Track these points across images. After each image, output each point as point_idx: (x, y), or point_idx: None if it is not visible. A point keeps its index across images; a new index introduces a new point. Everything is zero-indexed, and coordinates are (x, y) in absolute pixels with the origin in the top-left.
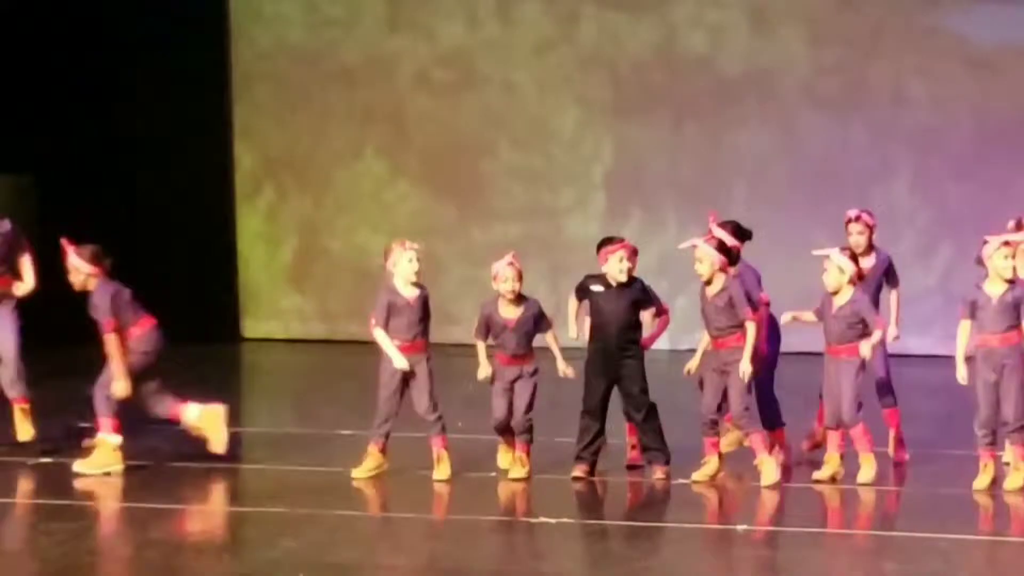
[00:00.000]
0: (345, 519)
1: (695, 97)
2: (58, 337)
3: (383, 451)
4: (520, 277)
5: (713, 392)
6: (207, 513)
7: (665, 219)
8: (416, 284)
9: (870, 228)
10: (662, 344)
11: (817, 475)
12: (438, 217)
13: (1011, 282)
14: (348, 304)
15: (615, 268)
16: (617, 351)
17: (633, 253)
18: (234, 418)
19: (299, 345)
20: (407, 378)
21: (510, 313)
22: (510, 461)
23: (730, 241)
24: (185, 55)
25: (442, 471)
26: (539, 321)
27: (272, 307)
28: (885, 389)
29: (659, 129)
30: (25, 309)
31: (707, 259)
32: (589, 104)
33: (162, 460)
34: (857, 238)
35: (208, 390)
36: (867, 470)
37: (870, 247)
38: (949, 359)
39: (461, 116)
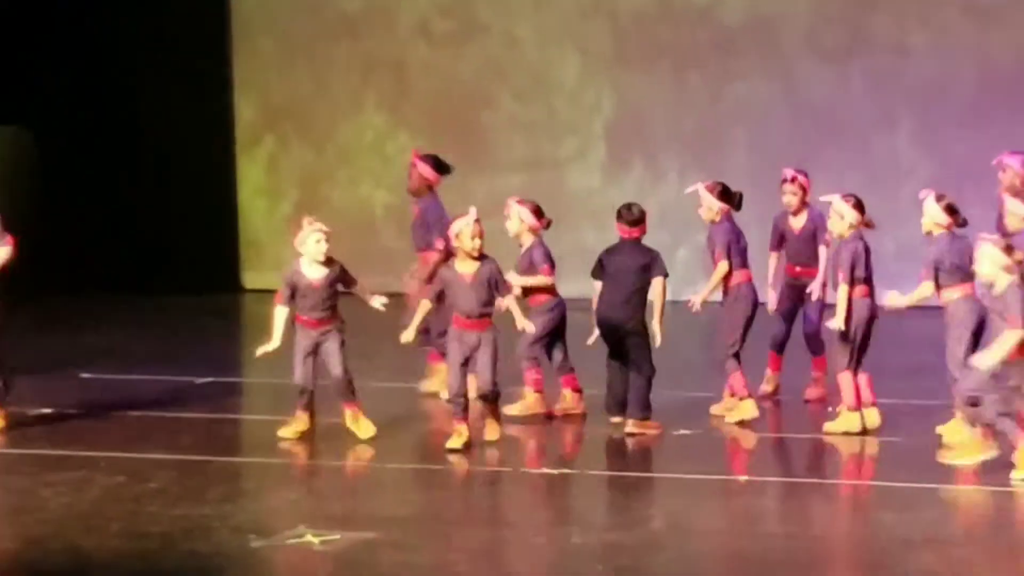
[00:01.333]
0: (346, 469)
1: (696, 47)
2: (56, 286)
3: (307, 412)
4: (482, 235)
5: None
6: (207, 464)
7: (666, 170)
8: (326, 263)
9: (804, 189)
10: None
11: (828, 427)
12: None
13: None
14: (348, 255)
15: None
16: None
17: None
18: (235, 369)
19: None
20: (316, 350)
21: (468, 268)
22: (462, 442)
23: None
24: (185, 6)
25: (363, 430)
26: (498, 283)
27: (273, 258)
28: (814, 339)
29: (660, 80)
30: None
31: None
32: (590, 55)
33: (160, 410)
34: (790, 198)
35: (209, 341)
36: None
37: (803, 205)
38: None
39: (462, 67)
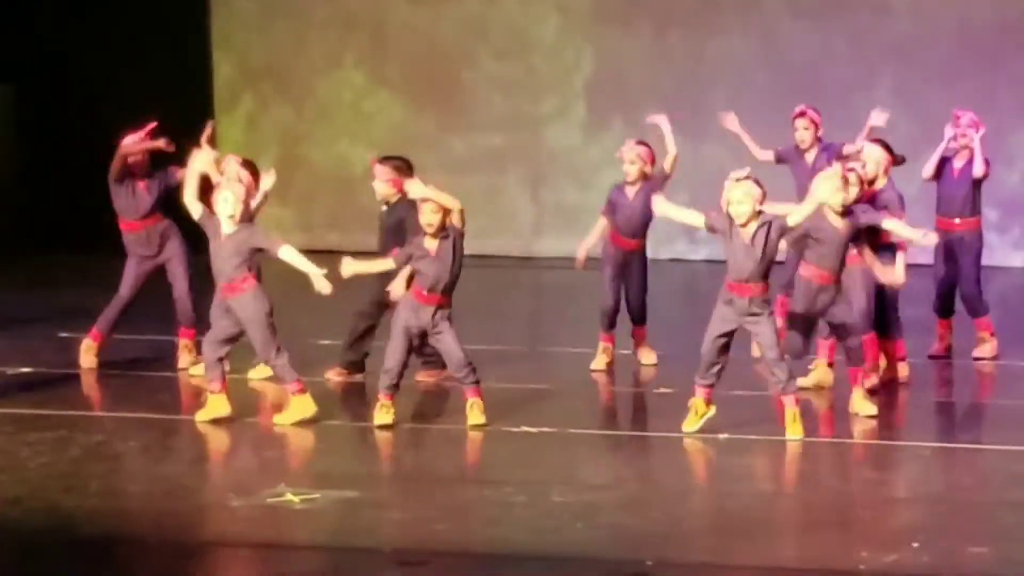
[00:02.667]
0: (326, 429)
1: (676, 5)
2: (36, 245)
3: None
4: (446, 214)
5: None
6: (186, 423)
7: (646, 128)
8: (243, 222)
9: (815, 124)
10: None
11: (802, 382)
12: (418, 127)
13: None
14: (329, 214)
15: None
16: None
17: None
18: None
19: None
20: (232, 315)
21: (431, 244)
22: (387, 416)
23: None
24: None
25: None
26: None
27: None
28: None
29: (640, 38)
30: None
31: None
32: (570, 13)
33: (140, 369)
34: (803, 133)
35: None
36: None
37: (816, 141)
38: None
39: (442, 25)
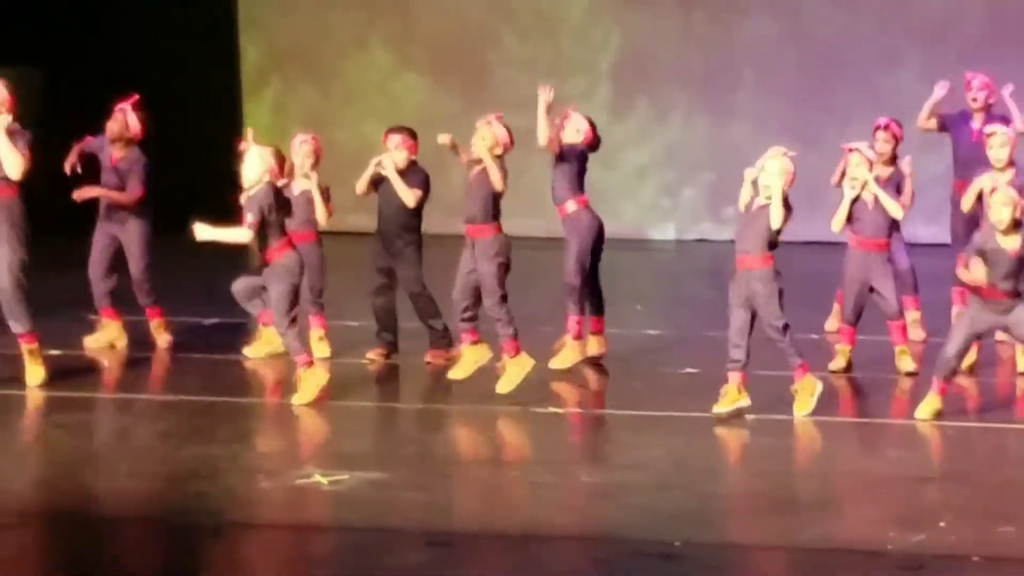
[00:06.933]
0: (354, 410)
1: None
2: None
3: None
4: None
5: None
6: (215, 404)
7: (672, 109)
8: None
9: (896, 139)
10: (668, 234)
11: (832, 366)
12: (444, 108)
13: None
14: (354, 196)
15: None
16: None
17: None
18: (242, 310)
19: None
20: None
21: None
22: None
23: None
24: None
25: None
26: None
27: None
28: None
29: (666, 18)
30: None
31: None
32: None
33: (169, 351)
34: (883, 146)
35: (215, 282)
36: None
37: (894, 157)
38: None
39: (467, 6)
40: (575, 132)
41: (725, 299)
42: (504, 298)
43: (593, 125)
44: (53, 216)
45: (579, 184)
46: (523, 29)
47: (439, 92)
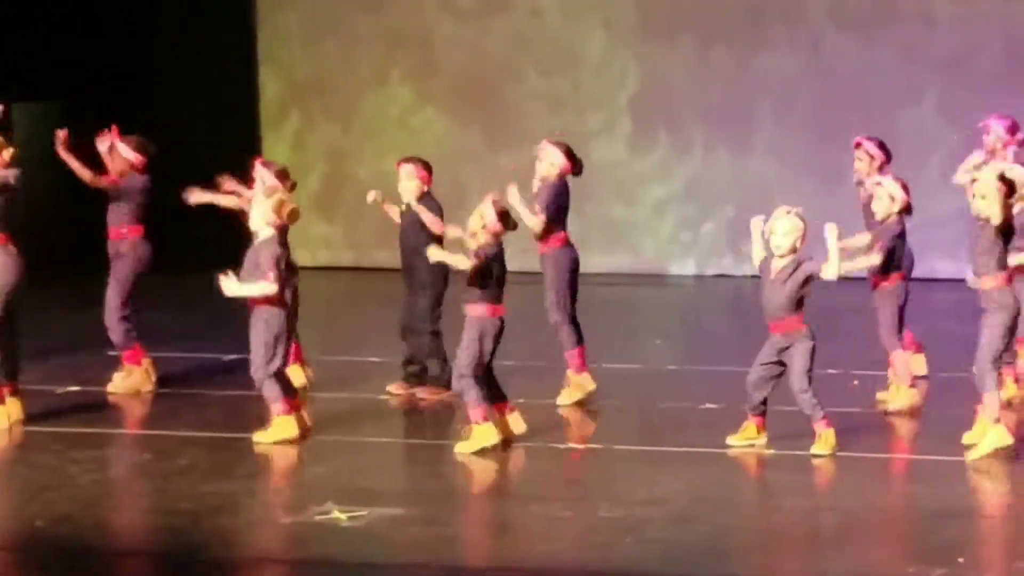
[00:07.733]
0: (373, 445)
1: (721, 19)
2: (78, 266)
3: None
4: None
5: None
6: (235, 440)
7: (691, 143)
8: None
9: (871, 156)
10: (688, 269)
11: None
12: (464, 143)
13: None
14: (376, 231)
15: None
16: None
17: None
18: None
19: (327, 273)
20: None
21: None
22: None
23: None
24: None
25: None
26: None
27: (300, 235)
28: None
29: (685, 52)
30: (44, 240)
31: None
32: (615, 28)
33: (188, 387)
34: (858, 164)
35: (235, 318)
36: (901, 396)
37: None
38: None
39: (487, 41)
40: (549, 166)
41: (745, 334)
42: (476, 367)
43: (569, 151)
44: (75, 251)
45: (560, 218)
46: (543, 64)
47: (459, 127)
